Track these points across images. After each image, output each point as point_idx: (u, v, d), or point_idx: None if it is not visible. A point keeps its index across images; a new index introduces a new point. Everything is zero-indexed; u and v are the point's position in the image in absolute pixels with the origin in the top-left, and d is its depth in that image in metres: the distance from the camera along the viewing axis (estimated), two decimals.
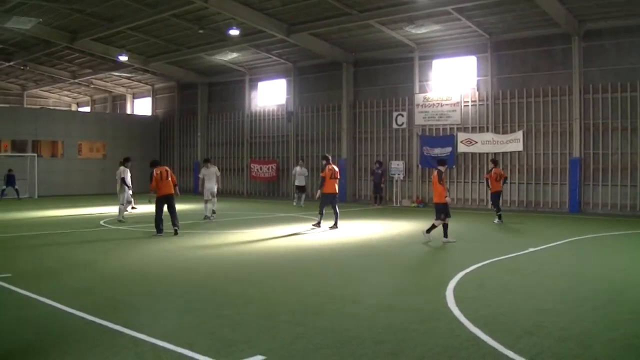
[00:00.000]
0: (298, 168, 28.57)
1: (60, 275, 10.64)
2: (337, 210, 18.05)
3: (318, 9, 25.90)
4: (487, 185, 21.03)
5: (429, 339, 6.63)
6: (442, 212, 14.84)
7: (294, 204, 27.78)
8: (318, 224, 17.91)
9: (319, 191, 18.31)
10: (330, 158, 18.78)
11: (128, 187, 21.07)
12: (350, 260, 12.67)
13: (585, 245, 14.86)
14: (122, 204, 20.33)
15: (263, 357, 5.99)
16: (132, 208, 24.83)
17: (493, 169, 20.45)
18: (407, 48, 28.51)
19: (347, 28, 27.19)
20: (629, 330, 7.00)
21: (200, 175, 21.28)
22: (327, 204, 17.96)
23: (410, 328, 7.05)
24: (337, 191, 18.10)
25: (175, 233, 16.22)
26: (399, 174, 28.83)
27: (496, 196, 20.26)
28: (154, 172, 16.84)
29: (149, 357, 6.04)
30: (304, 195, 27.83)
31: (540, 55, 25.32)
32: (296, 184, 28.21)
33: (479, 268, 11.11)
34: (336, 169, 18.34)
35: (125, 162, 21.59)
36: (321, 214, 17.93)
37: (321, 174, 18.39)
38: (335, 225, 17.86)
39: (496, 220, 19.74)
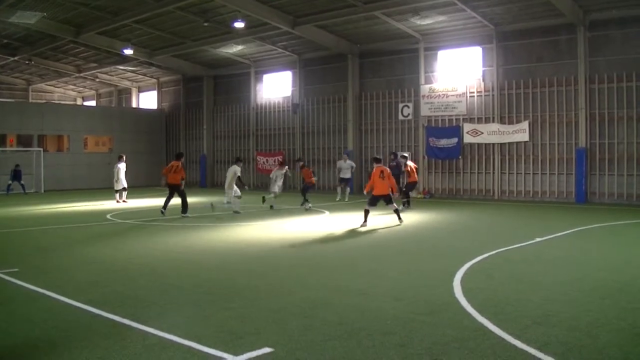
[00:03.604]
0: (342, 162, 26.93)
1: (67, 270, 10.67)
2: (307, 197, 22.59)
3: (323, 1, 25.87)
4: (407, 175, 22.59)
5: (437, 329, 6.63)
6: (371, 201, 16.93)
7: (337, 198, 26.07)
8: (304, 206, 22.13)
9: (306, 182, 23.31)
10: (304, 162, 25.68)
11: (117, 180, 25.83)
12: (356, 251, 12.69)
13: (592, 235, 14.84)
14: (237, 197, 20.89)
15: (271, 349, 6.01)
16: (123, 201, 25.27)
17: (408, 162, 22.70)
18: (412, 39, 28.45)
19: (352, 20, 27.13)
20: (638, 319, 6.99)
21: (239, 173, 21.58)
22: (307, 191, 22.92)
23: (418, 319, 7.06)
24: (313, 182, 23.66)
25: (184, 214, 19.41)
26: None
27: (412, 186, 22.61)
28: (170, 163, 20.46)
29: (157, 350, 6.06)
30: (348, 189, 26.67)
31: (546, 46, 25.24)
32: (340, 176, 26.69)
33: (485, 258, 11.12)
34: (309, 169, 24.47)
35: (120, 158, 26.48)
36: (306, 199, 22.37)
37: (302, 170, 24.15)
38: (304, 206, 22.17)
39: (402, 207, 20.61)
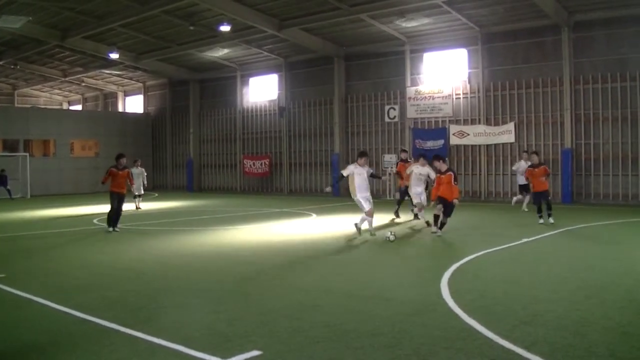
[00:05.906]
0: (522, 162, 21.27)
1: (55, 275, 10.61)
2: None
3: (309, 4, 25.89)
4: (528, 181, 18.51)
5: (425, 330, 6.65)
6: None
7: (525, 209, 20.88)
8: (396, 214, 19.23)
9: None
10: (405, 157, 20.33)
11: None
12: (344, 253, 12.70)
13: (578, 235, 14.93)
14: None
15: (260, 352, 6.00)
16: (137, 208, 24.76)
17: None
18: (398, 41, 28.52)
19: (338, 22, 27.17)
20: (624, 318, 7.04)
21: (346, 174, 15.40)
22: (403, 196, 19.34)
23: (407, 320, 7.07)
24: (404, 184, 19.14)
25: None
26: (391, 167, 28.83)
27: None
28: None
29: (145, 355, 6.03)
30: (528, 197, 20.43)
31: (531, 47, 25.39)
32: (519, 183, 21.74)
33: (473, 259, 11.15)
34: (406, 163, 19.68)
35: (135, 162, 24.91)
36: (398, 204, 19.50)
37: (397, 169, 19.91)
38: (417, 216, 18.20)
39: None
